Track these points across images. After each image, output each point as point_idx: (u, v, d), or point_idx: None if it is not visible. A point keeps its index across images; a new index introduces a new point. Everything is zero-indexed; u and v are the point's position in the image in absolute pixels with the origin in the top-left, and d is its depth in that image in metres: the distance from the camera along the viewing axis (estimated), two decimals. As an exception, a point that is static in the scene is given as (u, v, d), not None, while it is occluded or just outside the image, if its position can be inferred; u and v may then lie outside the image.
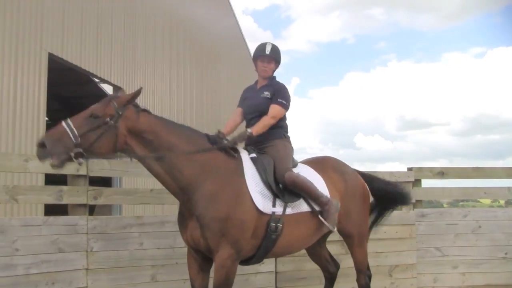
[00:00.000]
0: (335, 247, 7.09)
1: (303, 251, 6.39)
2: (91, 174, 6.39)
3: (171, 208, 6.30)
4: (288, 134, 5.84)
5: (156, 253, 6.61)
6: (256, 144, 5.53)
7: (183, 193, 4.89)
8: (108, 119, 4.58)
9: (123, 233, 6.49)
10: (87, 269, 6.22)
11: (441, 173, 8.12)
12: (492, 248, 8.04)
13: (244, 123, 5.95)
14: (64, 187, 6.22)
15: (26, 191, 6.13)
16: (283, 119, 5.75)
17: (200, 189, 4.84)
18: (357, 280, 6.23)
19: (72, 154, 4.43)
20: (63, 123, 4.49)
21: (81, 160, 4.51)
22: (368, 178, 6.40)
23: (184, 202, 4.97)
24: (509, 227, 8.13)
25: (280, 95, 5.64)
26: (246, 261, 5.28)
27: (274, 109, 5.56)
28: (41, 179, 11.20)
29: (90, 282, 6.23)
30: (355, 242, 6.05)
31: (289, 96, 5.73)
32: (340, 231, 6.00)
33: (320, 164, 5.97)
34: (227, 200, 4.86)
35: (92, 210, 6.78)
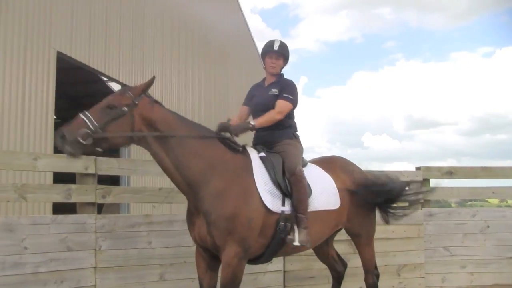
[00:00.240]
0: (343, 246, 7.07)
1: (311, 250, 6.38)
2: (100, 173, 6.41)
3: (180, 207, 6.31)
4: (298, 133, 5.83)
5: (164, 252, 6.62)
6: (266, 144, 5.50)
7: (190, 189, 4.89)
8: (124, 108, 4.63)
9: (132, 232, 6.50)
10: (95, 267, 6.24)
11: (450, 173, 8.10)
12: (501, 248, 8.01)
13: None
14: (73, 186, 6.24)
15: (35, 189, 6.16)
16: (291, 118, 5.73)
17: (207, 186, 4.84)
18: (365, 280, 6.22)
19: (90, 143, 4.49)
20: (81, 115, 4.55)
21: (98, 149, 4.61)
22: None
23: (191, 199, 4.97)
24: (518, 227, 8.09)
25: (287, 90, 5.60)
26: (255, 260, 5.28)
27: (280, 104, 5.52)
28: (49, 178, 11.23)
29: (98, 281, 6.24)
30: (362, 241, 6.04)
31: (297, 93, 5.69)
32: (348, 231, 6.00)
33: (328, 163, 5.96)
34: (234, 197, 4.86)
35: (100, 209, 6.79)
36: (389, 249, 7.57)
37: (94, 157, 6.17)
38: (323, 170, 5.73)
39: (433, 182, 8.14)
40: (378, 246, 6.39)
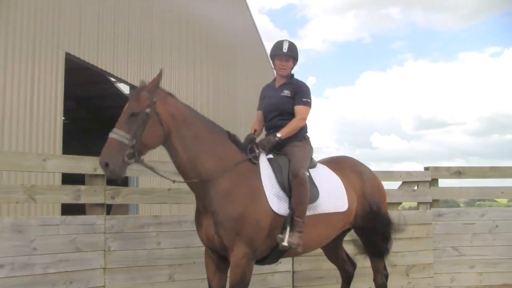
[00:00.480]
0: (352, 246, 7.07)
1: (320, 251, 6.39)
2: (108, 174, 6.41)
3: (188, 207, 6.31)
4: (308, 134, 5.82)
5: (173, 253, 6.64)
6: (275, 146, 5.46)
7: (202, 187, 4.90)
8: (147, 110, 4.63)
9: (141, 233, 6.52)
10: (104, 268, 6.26)
11: (458, 173, 8.09)
12: (509, 248, 7.99)
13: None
14: (82, 187, 6.26)
15: (44, 190, 6.18)
16: (303, 119, 5.72)
17: (216, 185, 4.86)
18: (374, 280, 6.22)
19: (126, 158, 4.51)
20: (112, 135, 4.54)
21: (138, 159, 4.66)
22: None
23: (201, 197, 4.98)
24: (526, 227, 8.06)
25: (303, 95, 5.61)
26: (261, 261, 5.28)
27: (301, 110, 5.56)
28: (58, 179, 11.25)
29: (107, 282, 6.26)
30: (372, 242, 6.04)
31: (310, 93, 5.71)
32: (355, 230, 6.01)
33: (337, 164, 5.96)
34: (242, 198, 4.87)
35: (108, 210, 6.80)
36: (397, 249, 7.52)
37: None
38: (331, 171, 5.73)
39: (441, 182, 8.15)
40: (387, 247, 6.38)
